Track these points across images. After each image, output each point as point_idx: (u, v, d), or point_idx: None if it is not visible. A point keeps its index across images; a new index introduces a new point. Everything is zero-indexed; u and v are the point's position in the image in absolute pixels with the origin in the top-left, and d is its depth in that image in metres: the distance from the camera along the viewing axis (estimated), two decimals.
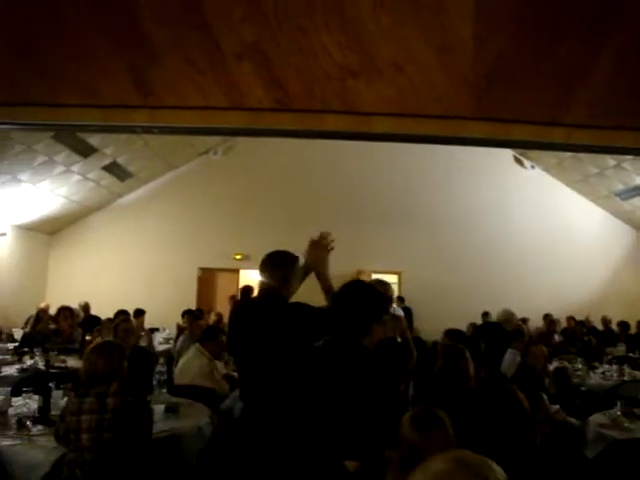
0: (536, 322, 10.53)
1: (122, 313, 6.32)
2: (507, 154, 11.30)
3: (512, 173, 11.64)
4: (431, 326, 8.24)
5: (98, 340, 2.98)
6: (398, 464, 1.77)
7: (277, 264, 2.97)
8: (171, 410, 3.76)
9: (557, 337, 9.49)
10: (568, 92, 2.73)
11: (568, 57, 2.74)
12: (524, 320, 10.06)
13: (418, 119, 2.75)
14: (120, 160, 10.13)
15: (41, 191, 9.68)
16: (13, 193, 9.19)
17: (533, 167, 11.82)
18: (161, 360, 4.21)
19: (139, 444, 2.49)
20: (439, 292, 9.43)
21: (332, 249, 3.11)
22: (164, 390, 3.99)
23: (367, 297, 2.59)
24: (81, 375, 2.71)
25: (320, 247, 3.09)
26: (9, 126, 3.09)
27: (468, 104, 2.76)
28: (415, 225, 11.14)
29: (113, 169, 10.35)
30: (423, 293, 10.15)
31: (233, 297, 11.13)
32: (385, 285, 3.81)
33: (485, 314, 10.25)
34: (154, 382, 3.93)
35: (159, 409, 3.64)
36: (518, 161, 11.57)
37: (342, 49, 2.85)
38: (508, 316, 6.28)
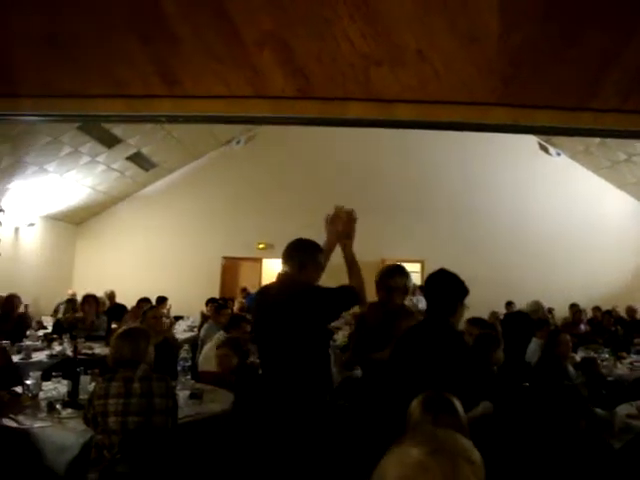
0: (562, 312, 10.41)
1: (144, 301, 6.40)
2: (532, 141, 11.11)
3: (537, 160, 11.45)
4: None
5: (124, 327, 3.07)
6: None
7: (294, 251, 3.02)
8: (195, 396, 3.82)
9: (583, 327, 9.36)
10: (595, 77, 2.68)
11: (596, 42, 2.68)
12: (549, 310, 9.95)
13: (441, 106, 2.73)
14: (144, 150, 10.23)
15: (67, 181, 9.84)
16: (40, 183, 9.36)
17: (559, 154, 11.62)
18: (185, 347, 4.29)
19: (165, 428, 2.56)
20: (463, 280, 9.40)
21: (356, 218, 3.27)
22: (188, 376, 4.05)
23: (452, 281, 3.01)
24: (108, 360, 2.77)
25: (342, 220, 3.18)
26: (42, 118, 3.15)
27: (492, 90, 2.73)
28: (438, 213, 11.06)
29: (137, 159, 10.47)
30: None
31: (245, 290, 11.17)
32: (406, 276, 3.68)
33: (509, 303, 10.17)
34: (178, 369, 4.01)
35: (184, 395, 3.71)
36: (543, 148, 11.38)
37: (365, 37, 2.84)
38: (536, 307, 6.25)
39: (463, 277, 9.63)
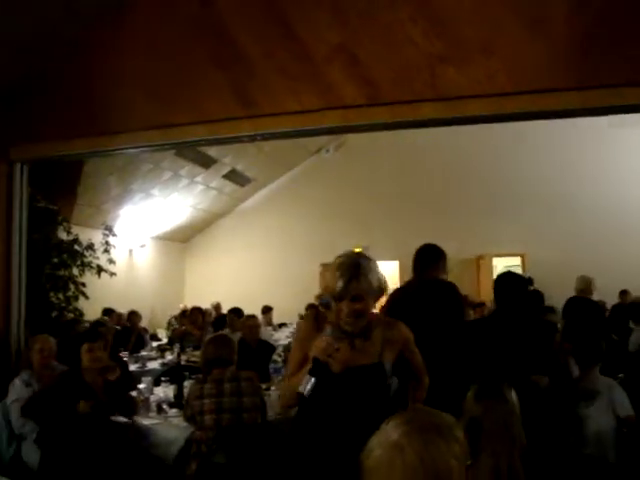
0: None
1: (233, 312, 6.71)
2: (636, 117, 10.35)
3: None
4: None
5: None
6: None
7: (416, 256, 3.22)
8: None
9: None
10: None
11: None
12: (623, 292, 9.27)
13: (511, 97, 2.68)
14: (238, 167, 10.70)
15: (171, 203, 10.53)
16: (147, 207, 10.09)
17: None
18: (279, 350, 4.49)
19: (254, 424, 2.73)
20: (568, 272, 8.86)
21: None
22: (280, 377, 4.22)
23: (520, 280, 3.21)
24: (200, 363, 3.01)
25: None
26: (137, 149, 3.48)
27: (566, 75, 2.64)
28: (536, 204, 10.54)
29: (233, 176, 10.95)
30: (551, 274, 9.59)
31: (320, 295, 11.13)
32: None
33: (623, 292, 9.52)
34: (270, 371, 4.19)
35: (275, 395, 3.87)
36: None
37: (428, 37, 2.87)
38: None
39: (569, 267, 9.01)
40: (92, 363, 2.77)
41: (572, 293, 6.05)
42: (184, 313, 8.12)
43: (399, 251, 10.80)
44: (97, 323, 5.24)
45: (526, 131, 9.53)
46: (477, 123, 2.87)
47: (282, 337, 8.53)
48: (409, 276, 3.50)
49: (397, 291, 3.42)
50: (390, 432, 1.01)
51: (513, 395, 1.67)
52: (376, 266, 1.90)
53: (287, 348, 6.63)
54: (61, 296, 5.37)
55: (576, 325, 4.58)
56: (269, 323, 8.94)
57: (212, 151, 9.01)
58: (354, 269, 1.83)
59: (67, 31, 3.15)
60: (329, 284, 1.88)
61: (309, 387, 1.72)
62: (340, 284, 1.80)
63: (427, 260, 3.16)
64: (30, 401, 2.77)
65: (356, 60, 2.89)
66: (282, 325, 10.08)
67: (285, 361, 4.35)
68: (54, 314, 5.21)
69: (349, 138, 11.55)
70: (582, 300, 5.36)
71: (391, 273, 11.70)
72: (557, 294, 7.80)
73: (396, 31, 2.83)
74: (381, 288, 1.91)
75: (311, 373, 1.73)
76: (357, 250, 1.98)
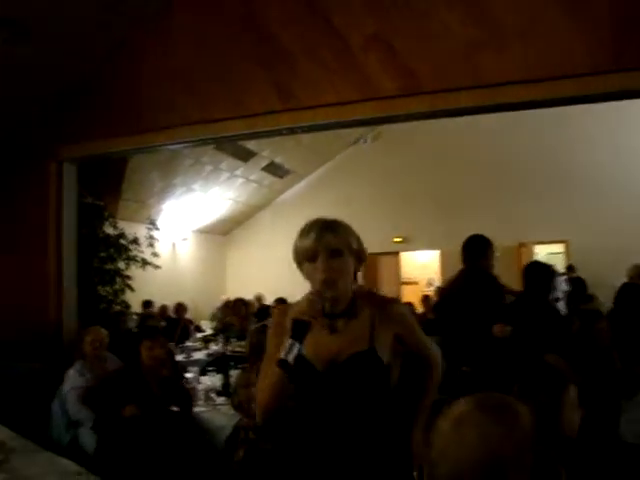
0: None
1: (278, 302, 6.79)
2: None
3: None
4: (607, 297, 7.64)
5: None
6: None
7: (463, 248, 3.34)
8: None
9: None
10: None
11: None
12: None
13: (553, 82, 2.62)
14: (277, 160, 10.77)
15: (212, 197, 10.71)
16: (189, 201, 10.30)
17: None
18: None
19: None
20: (614, 259, 8.62)
21: None
22: None
23: (546, 268, 3.37)
24: (246, 353, 3.10)
25: None
26: (178, 145, 3.57)
27: (606, 59, 2.57)
28: (579, 189, 10.23)
29: (272, 169, 11.04)
30: (596, 262, 9.34)
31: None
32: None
33: None
34: None
35: None
36: None
37: (465, 25, 2.84)
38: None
39: (614, 254, 8.75)
40: (152, 360, 2.92)
41: (618, 281, 5.90)
42: (227, 304, 8.27)
43: (440, 240, 10.75)
44: (146, 316, 5.39)
45: (570, 115, 9.30)
46: (518, 110, 2.82)
47: None
48: (451, 264, 3.53)
49: (448, 285, 3.61)
50: (457, 407, 1.04)
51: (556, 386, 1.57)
52: (353, 230, 1.63)
53: None
54: (109, 289, 5.55)
55: (625, 312, 4.52)
56: None
57: (251, 144, 9.12)
58: (328, 223, 1.58)
59: (113, 33, 3.26)
60: (302, 246, 1.57)
61: (295, 352, 1.44)
62: (313, 236, 1.54)
63: (475, 251, 3.29)
64: (90, 392, 2.95)
65: (392, 50, 2.88)
66: None
67: None
68: (102, 306, 5.40)
69: (386, 128, 11.46)
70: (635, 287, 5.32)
71: (431, 262, 11.65)
72: (602, 282, 7.63)
73: (432, 19, 2.81)
74: (361, 252, 1.61)
75: (293, 337, 1.45)
76: None
